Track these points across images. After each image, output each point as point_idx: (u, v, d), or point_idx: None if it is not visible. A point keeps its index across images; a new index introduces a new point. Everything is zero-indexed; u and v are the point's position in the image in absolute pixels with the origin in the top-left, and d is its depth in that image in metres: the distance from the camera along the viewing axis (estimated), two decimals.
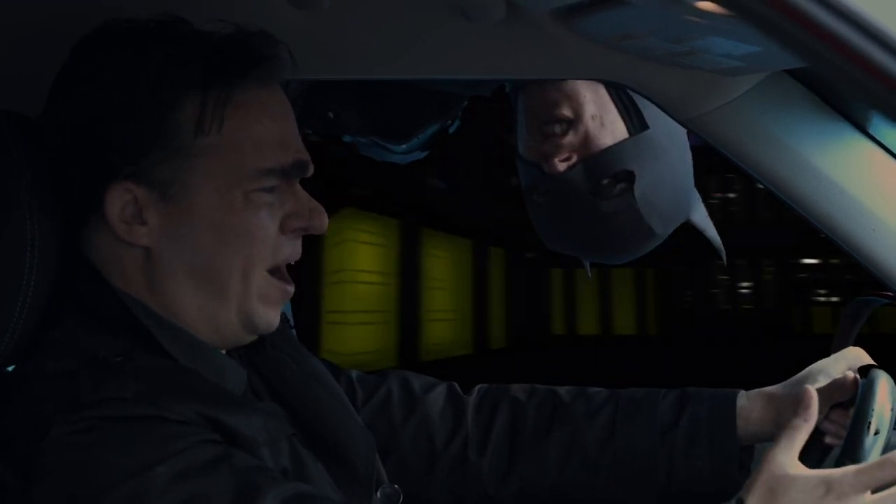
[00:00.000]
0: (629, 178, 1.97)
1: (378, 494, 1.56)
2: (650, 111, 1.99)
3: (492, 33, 1.68)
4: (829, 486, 1.32)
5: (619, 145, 1.98)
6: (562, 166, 1.98)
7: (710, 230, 2.13)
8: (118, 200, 1.40)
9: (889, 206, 1.76)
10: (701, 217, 2.11)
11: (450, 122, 2.35)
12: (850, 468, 1.34)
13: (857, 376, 1.59)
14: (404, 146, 2.37)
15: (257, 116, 1.43)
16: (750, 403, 1.68)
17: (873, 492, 1.32)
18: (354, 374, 1.75)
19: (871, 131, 1.78)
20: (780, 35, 1.01)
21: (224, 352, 1.49)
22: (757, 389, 1.69)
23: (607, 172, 1.97)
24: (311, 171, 1.48)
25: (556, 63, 1.74)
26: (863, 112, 1.77)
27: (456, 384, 1.79)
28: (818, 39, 0.98)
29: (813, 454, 1.55)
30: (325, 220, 1.47)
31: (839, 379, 1.61)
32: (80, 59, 1.44)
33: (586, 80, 1.94)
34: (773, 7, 0.99)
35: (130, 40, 1.42)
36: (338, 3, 1.63)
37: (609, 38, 1.64)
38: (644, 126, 1.99)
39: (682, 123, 1.82)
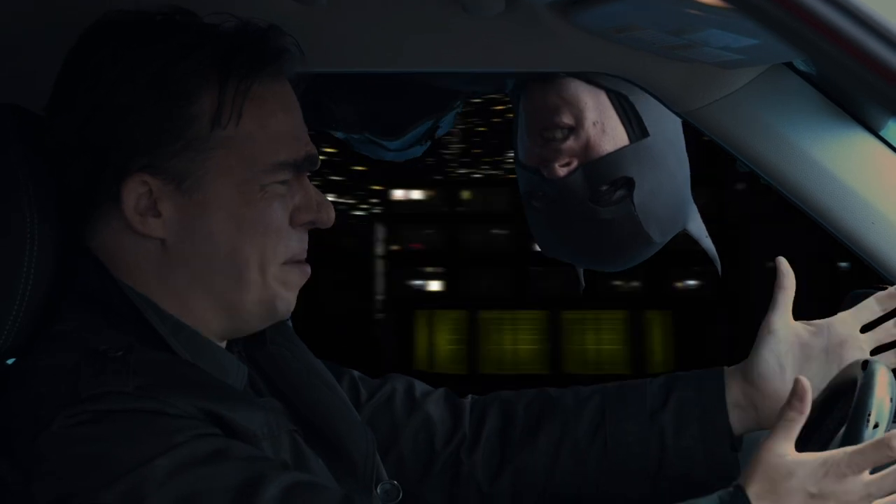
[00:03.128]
0: (628, 184, 1.97)
1: (378, 490, 1.56)
2: (650, 118, 2.00)
3: (490, 26, 1.68)
4: (826, 468, 1.33)
5: (619, 152, 1.98)
6: (562, 171, 1.97)
7: (706, 240, 2.13)
8: (133, 192, 1.40)
9: (888, 199, 1.76)
10: (697, 227, 2.11)
11: (442, 118, 2.34)
12: (846, 449, 1.34)
13: (850, 372, 1.58)
14: (398, 142, 2.36)
15: (272, 110, 1.44)
16: (730, 378, 1.67)
17: (871, 472, 1.33)
18: (356, 373, 1.76)
19: (869, 124, 1.78)
20: (779, 28, 1.01)
21: (224, 346, 1.49)
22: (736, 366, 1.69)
23: (607, 179, 1.96)
24: (318, 164, 1.49)
25: (554, 56, 1.74)
26: (861, 104, 1.77)
27: (451, 391, 1.79)
28: (816, 31, 0.98)
29: (818, 437, 1.57)
30: (333, 214, 1.49)
31: (872, 298, 1.65)
32: (88, 51, 1.44)
33: (585, 72, 1.94)
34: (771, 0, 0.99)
35: (140, 31, 1.42)
36: None
37: (608, 30, 1.64)
38: (644, 133, 1.99)
39: (681, 116, 1.82)
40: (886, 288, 1.74)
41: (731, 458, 1.65)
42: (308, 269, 1.49)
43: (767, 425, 1.64)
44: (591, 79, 1.98)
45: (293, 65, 1.46)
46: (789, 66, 1.78)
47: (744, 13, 1.03)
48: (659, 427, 1.67)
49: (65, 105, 1.43)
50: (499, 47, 1.72)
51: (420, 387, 1.77)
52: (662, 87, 1.78)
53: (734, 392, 1.66)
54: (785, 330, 1.64)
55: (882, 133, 1.79)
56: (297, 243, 1.47)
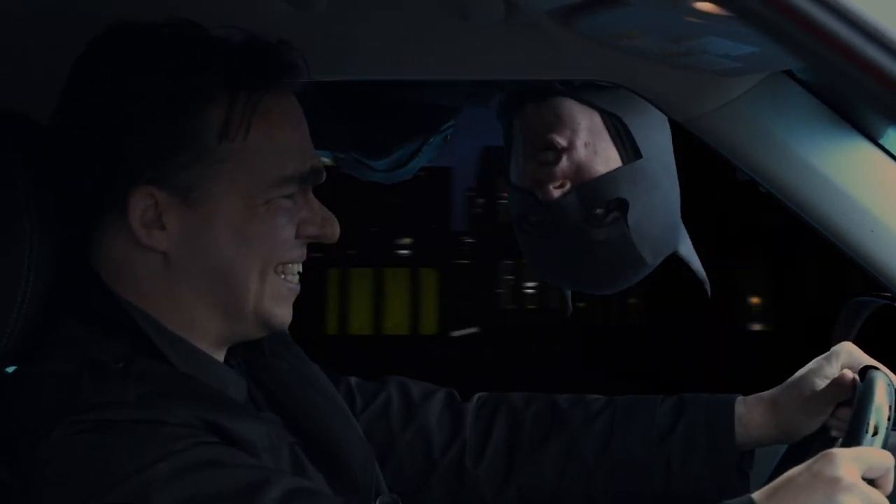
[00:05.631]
0: (622, 206, 1.97)
1: (377, 503, 1.56)
2: (643, 139, 2.00)
3: (490, 34, 1.68)
4: (823, 455, 1.32)
5: (612, 173, 1.97)
6: (556, 193, 1.97)
7: (696, 263, 2.13)
8: (140, 205, 1.40)
9: (887, 206, 1.76)
10: (687, 249, 2.11)
11: (429, 139, 2.32)
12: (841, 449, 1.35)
13: (856, 377, 1.59)
14: (385, 163, 2.34)
15: (280, 124, 1.45)
16: (749, 410, 1.67)
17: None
18: (353, 380, 1.75)
19: (869, 132, 1.78)
20: (779, 35, 1.01)
21: (223, 359, 1.49)
22: (756, 395, 1.69)
23: (601, 200, 1.96)
24: (323, 177, 1.49)
25: (554, 63, 1.74)
26: (861, 112, 1.77)
27: (455, 391, 1.79)
28: (816, 40, 0.98)
29: (818, 446, 1.57)
30: (337, 229, 1.49)
31: (837, 379, 1.61)
32: (99, 60, 1.44)
33: (585, 80, 1.94)
34: (771, 7, 0.99)
35: (149, 43, 1.42)
36: (335, 3, 1.63)
37: (607, 38, 1.64)
38: (637, 154, 1.99)
39: (680, 124, 1.82)
40: (887, 295, 1.74)
41: (739, 482, 1.66)
42: (298, 288, 1.49)
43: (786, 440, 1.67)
44: (584, 98, 1.99)
45: (301, 79, 1.47)
46: (789, 73, 1.78)
47: (743, 21, 1.03)
48: (666, 451, 1.68)
49: (73, 114, 1.43)
50: (499, 55, 1.72)
51: (418, 388, 1.76)
52: (662, 94, 1.78)
53: (756, 414, 1.67)
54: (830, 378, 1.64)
55: (881, 141, 1.79)
56: (297, 252, 1.47)
